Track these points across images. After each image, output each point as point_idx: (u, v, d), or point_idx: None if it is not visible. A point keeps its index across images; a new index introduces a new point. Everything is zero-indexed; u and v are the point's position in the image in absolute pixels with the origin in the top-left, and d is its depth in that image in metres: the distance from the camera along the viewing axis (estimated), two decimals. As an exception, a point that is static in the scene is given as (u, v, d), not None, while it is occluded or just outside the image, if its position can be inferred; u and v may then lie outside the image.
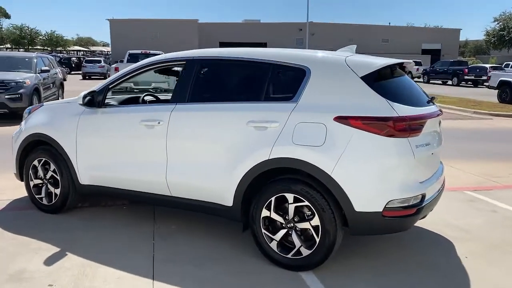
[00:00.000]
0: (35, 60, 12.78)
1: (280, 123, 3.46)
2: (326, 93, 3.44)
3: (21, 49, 77.16)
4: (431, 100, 3.86)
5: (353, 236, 3.83)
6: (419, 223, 4.12)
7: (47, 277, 3.36)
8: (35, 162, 4.69)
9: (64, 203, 4.62)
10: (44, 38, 78.69)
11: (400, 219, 3.30)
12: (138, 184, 4.15)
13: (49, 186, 4.67)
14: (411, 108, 3.39)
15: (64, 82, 16.05)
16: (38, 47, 79.65)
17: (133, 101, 4.91)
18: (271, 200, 3.49)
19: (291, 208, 3.45)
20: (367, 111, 3.26)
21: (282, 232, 3.50)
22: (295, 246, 3.48)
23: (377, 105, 3.27)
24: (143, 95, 5.10)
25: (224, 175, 3.65)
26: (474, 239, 4.24)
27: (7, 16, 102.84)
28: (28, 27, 76.53)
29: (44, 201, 4.71)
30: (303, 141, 3.36)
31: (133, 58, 18.44)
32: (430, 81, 34.56)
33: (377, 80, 3.43)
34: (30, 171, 4.74)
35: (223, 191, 3.69)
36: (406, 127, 3.26)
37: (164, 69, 4.71)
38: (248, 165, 3.52)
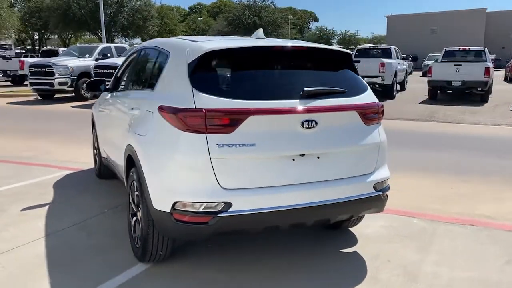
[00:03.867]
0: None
1: (140, 110, 3.48)
2: (169, 80, 3.23)
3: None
4: (317, 94, 3.00)
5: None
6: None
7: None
8: None
9: (100, 172, 5.70)
10: (339, 37, 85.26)
11: (193, 226, 2.83)
12: (114, 160, 4.76)
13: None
14: (225, 101, 2.80)
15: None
16: (335, 46, 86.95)
17: None
18: (130, 187, 3.54)
19: (134, 196, 3.43)
20: (174, 101, 2.92)
21: (134, 219, 3.51)
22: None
23: (184, 95, 2.88)
24: None
25: (121, 158, 3.88)
26: None
27: (316, 19, 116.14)
28: (326, 28, 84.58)
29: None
30: (137, 129, 3.33)
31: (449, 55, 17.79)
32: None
33: (207, 67, 2.99)
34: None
35: (122, 172, 3.94)
36: (201, 122, 2.75)
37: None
38: (122, 150, 3.68)
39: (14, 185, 5.53)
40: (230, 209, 2.78)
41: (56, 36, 45.55)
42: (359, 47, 20.57)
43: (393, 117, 11.68)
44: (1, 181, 5.68)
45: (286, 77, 3.15)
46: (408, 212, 4.63)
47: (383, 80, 16.37)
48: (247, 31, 46.78)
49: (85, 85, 5.60)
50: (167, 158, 2.90)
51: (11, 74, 23.09)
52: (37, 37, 48.27)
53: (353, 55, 19.73)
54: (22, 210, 4.59)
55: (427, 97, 16.52)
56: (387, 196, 3.45)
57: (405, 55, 24.41)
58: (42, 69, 15.29)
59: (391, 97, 16.71)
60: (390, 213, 4.57)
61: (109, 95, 4.93)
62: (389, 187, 3.46)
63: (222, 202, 2.77)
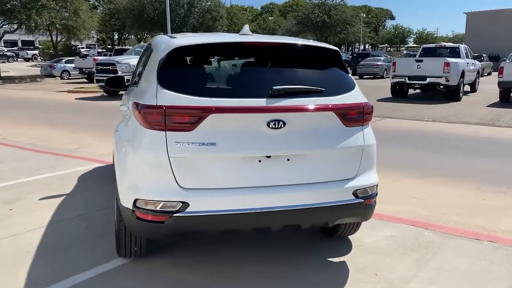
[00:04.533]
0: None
1: (126, 107, 3.53)
2: (145, 76, 3.22)
3: (393, 48, 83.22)
4: (289, 93, 2.84)
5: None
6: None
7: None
8: None
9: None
10: (415, 36, 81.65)
11: (151, 224, 2.79)
12: None
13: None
14: (186, 98, 2.72)
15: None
16: (410, 45, 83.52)
17: None
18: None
19: None
20: (142, 97, 2.91)
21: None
22: None
23: (150, 92, 2.85)
24: None
25: None
26: None
27: (392, 17, 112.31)
28: (402, 26, 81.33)
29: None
30: (118, 126, 3.38)
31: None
32: None
33: (174, 63, 2.93)
34: None
35: None
36: (161, 119, 2.71)
37: None
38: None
39: (44, 175, 5.87)
40: (187, 210, 2.71)
41: (133, 36, 48.01)
42: (424, 46, 19.48)
43: (449, 121, 10.95)
44: (36, 171, 6.05)
45: (256, 75, 3.01)
46: (422, 222, 4.28)
47: (447, 80, 15.36)
48: (316, 30, 46.29)
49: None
50: (131, 155, 2.90)
51: (86, 71, 24.65)
52: (116, 37, 51.30)
53: (417, 54, 18.81)
54: (39, 199, 4.85)
55: (498, 99, 15.27)
56: (374, 204, 3.20)
57: (476, 54, 22.78)
58: (107, 67, 16.12)
59: (457, 99, 15.65)
60: (401, 222, 4.27)
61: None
62: (376, 194, 3.21)
63: (180, 202, 2.71)
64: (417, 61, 16.03)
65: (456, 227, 4.18)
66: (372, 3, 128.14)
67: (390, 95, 16.58)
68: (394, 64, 16.56)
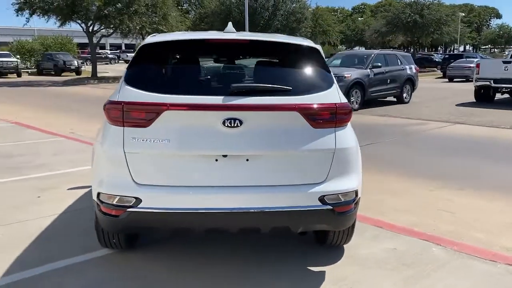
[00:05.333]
0: (371, 57, 14.03)
1: None
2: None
3: (497, 48, 76.85)
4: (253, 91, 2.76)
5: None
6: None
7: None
8: None
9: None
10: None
11: (110, 218, 2.86)
12: None
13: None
14: (144, 94, 2.75)
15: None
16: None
17: None
18: None
19: None
20: (114, 94, 3.00)
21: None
22: None
23: (118, 88, 2.94)
24: None
25: None
26: None
27: (498, 16, 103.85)
28: (508, 25, 74.82)
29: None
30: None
31: None
32: None
33: (142, 60, 2.99)
34: None
35: None
36: (120, 115, 2.77)
37: None
38: None
39: (86, 167, 6.30)
40: (140, 205, 2.75)
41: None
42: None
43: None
44: (82, 163, 6.51)
45: (220, 72, 2.97)
46: (436, 237, 3.90)
47: (540, 84, 13.82)
48: (407, 31, 44.10)
49: None
50: (97, 150, 3.00)
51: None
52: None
53: (509, 55, 17.10)
54: (68, 189, 5.22)
55: None
56: (351, 211, 2.98)
57: None
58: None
59: (551, 105, 14.00)
60: (412, 235, 3.94)
61: None
62: (353, 201, 2.99)
63: (133, 197, 2.75)
64: (504, 62, 14.61)
65: (474, 246, 3.75)
66: (476, 1, 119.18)
67: (473, 100, 15.31)
68: (478, 66, 15.26)
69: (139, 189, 2.76)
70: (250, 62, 3.05)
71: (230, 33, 3.26)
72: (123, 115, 2.76)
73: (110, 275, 3.19)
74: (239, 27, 39.70)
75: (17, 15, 26.17)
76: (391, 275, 3.23)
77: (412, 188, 5.41)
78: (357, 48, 63.70)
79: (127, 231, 3.03)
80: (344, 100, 2.97)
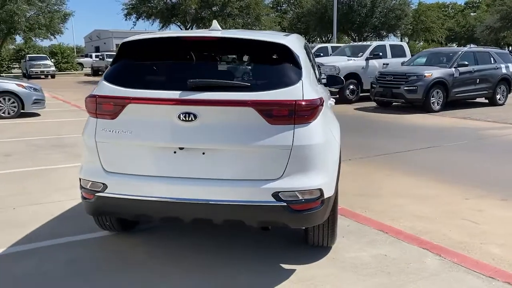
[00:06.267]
0: (458, 54, 13.02)
1: None
2: None
3: None
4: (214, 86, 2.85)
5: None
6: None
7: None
8: None
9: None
10: None
11: (86, 202, 3.14)
12: None
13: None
14: (114, 88, 2.97)
15: None
16: None
17: None
18: None
19: None
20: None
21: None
22: None
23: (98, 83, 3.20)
24: None
25: None
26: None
27: None
28: None
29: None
30: None
31: None
32: None
33: (120, 58, 3.19)
34: None
35: None
36: (94, 107, 3.02)
37: None
38: None
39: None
40: (106, 191, 2.99)
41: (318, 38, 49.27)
42: None
43: None
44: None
45: (186, 69, 3.06)
46: (439, 247, 3.62)
47: None
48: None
49: None
50: (82, 139, 3.28)
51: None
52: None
53: None
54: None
55: None
56: (312, 211, 2.91)
57: None
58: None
59: None
60: (413, 243, 3.70)
61: None
62: (316, 200, 2.90)
63: (101, 183, 3.00)
64: None
65: (479, 260, 3.40)
66: None
67: None
68: None
69: (106, 176, 3.00)
70: (224, 59, 3.12)
71: (206, 31, 3.36)
72: (96, 107, 3.02)
73: (91, 255, 3.49)
74: (332, 25, 39.15)
75: (126, 19, 28.77)
76: (363, 280, 3.09)
77: (444, 195, 5.01)
78: (469, 46, 58.99)
79: (98, 214, 3.29)
80: (312, 96, 2.90)
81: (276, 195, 2.82)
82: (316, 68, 4.23)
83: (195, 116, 2.81)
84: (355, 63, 14.96)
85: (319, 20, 38.47)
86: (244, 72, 3.07)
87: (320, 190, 2.92)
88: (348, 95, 14.54)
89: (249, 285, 3.05)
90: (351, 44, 21.64)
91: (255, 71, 3.08)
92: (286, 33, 3.51)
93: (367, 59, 14.98)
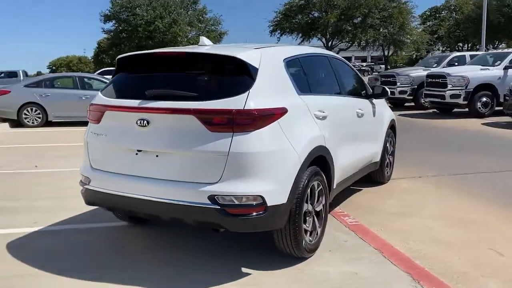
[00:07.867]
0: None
1: None
2: None
3: None
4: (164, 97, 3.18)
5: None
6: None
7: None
8: None
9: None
10: None
11: (81, 193, 3.66)
12: None
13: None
14: (101, 98, 3.51)
15: None
16: None
17: None
18: None
19: None
20: None
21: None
22: None
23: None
24: None
25: None
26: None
27: None
28: None
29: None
30: None
31: None
32: None
33: (117, 71, 3.71)
34: None
35: None
36: (89, 114, 3.58)
37: None
38: None
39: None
40: (90, 184, 3.51)
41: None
42: None
43: None
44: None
45: (152, 81, 3.41)
46: (423, 273, 3.25)
47: None
48: None
49: None
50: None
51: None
52: (463, 47, 48.87)
53: None
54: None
55: None
56: (250, 215, 2.98)
57: None
58: (389, 79, 16.31)
59: None
60: (400, 266, 3.39)
61: None
62: (256, 206, 2.97)
63: (87, 177, 3.54)
64: None
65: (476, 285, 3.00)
66: None
67: None
68: None
69: (91, 171, 3.54)
70: (179, 71, 3.45)
71: (184, 47, 3.73)
72: (89, 114, 3.59)
73: (91, 239, 4.04)
74: (500, 32, 35.13)
75: (270, 36, 30.57)
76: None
77: (492, 221, 4.35)
78: None
79: (88, 204, 3.82)
80: (259, 106, 3.00)
81: (212, 198, 2.97)
82: (337, 78, 4.30)
83: (148, 122, 3.15)
84: (490, 72, 13.29)
85: (477, 27, 34.90)
86: (200, 83, 3.32)
87: (261, 197, 2.97)
88: (479, 108, 12.98)
89: (197, 281, 3.21)
90: (492, 51, 19.04)
91: (208, 82, 3.33)
92: (261, 46, 3.62)
93: (505, 68, 13.20)
